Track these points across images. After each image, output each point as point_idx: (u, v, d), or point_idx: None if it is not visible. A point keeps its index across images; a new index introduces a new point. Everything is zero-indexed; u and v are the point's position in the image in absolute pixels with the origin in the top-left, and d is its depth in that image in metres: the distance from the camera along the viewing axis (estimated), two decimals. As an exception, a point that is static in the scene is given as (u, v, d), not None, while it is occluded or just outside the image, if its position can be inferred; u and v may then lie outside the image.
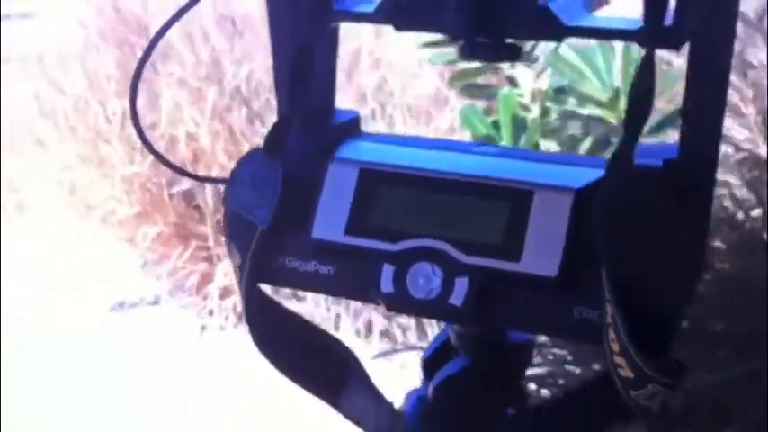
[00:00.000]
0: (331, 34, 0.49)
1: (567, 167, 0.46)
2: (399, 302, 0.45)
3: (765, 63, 1.82)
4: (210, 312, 2.28)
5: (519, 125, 1.79)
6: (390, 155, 0.48)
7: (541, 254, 0.43)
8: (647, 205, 0.40)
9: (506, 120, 1.76)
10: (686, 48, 0.42)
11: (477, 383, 0.49)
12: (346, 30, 0.53)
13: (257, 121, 2.14)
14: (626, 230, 0.40)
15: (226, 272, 2.22)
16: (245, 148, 1.99)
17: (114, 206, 2.32)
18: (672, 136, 1.70)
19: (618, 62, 1.80)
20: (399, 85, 2.21)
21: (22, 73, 3.05)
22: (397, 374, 1.91)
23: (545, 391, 1.26)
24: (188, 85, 2.29)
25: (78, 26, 2.82)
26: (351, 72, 2.15)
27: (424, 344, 0.92)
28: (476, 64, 2.00)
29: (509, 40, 0.44)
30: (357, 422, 0.53)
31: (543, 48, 1.82)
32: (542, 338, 1.24)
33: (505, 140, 1.72)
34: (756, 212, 1.71)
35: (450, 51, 1.97)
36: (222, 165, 2.14)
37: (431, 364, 0.51)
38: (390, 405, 0.53)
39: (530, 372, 0.61)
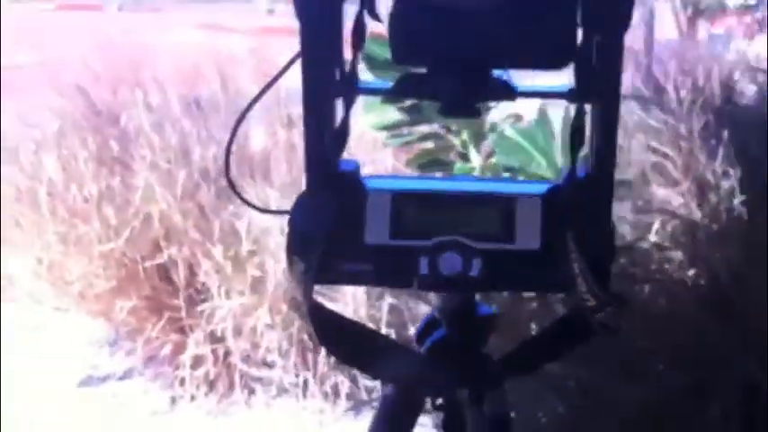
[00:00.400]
0: (350, 104, 0.69)
1: (525, 184, 0.77)
2: (433, 281, 0.67)
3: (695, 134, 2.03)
4: (182, 381, 2.39)
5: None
6: (406, 184, 0.72)
7: (527, 236, 0.67)
8: (583, 199, 0.67)
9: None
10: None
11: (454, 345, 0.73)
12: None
13: (224, 197, 2.30)
14: (577, 216, 0.65)
15: (197, 341, 2.34)
16: (216, 224, 2.13)
17: (92, 281, 2.45)
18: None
19: (557, 141, 1.99)
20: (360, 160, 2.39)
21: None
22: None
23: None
24: (159, 167, 2.45)
25: (53, 114, 2.98)
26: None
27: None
28: (433, 144, 2.18)
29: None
30: (392, 379, 0.75)
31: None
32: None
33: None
34: (691, 272, 1.88)
35: (408, 134, 2.17)
36: (193, 239, 2.29)
37: (420, 336, 0.76)
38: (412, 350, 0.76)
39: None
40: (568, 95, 0.68)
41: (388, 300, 2.16)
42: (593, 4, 0.63)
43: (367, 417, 2.12)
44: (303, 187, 0.70)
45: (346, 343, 0.71)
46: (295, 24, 0.67)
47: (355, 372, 2.18)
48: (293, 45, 0.69)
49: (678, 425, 1.71)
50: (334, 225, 0.68)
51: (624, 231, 1.87)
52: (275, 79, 0.73)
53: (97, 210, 2.50)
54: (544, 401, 1.78)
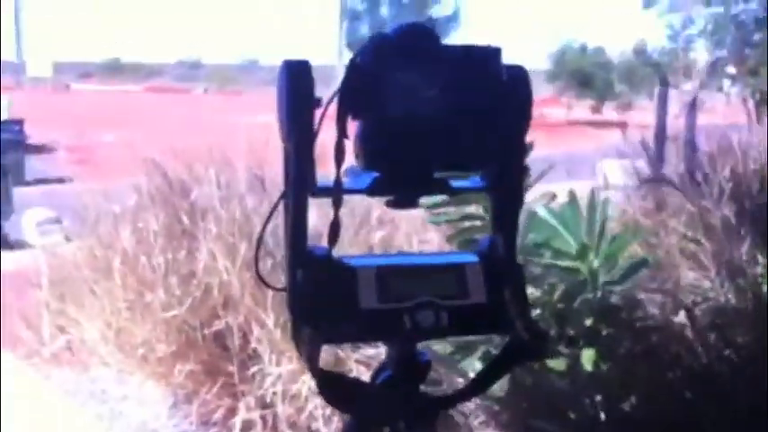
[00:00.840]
0: (338, 204, 0.85)
1: (463, 255, 0.92)
2: (413, 332, 0.85)
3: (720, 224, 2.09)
4: (235, 443, 2.50)
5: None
6: (383, 260, 0.88)
7: (477, 293, 0.86)
8: (504, 266, 0.88)
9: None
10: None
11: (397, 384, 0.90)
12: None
13: (279, 268, 2.45)
14: (507, 277, 0.87)
15: (248, 406, 2.46)
16: (269, 293, 2.28)
17: (154, 345, 2.61)
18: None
19: (583, 222, 2.08)
20: (406, 240, 2.53)
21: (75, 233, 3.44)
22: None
23: None
24: (223, 238, 2.63)
25: (132, 189, 3.22)
26: (359, 229, 2.48)
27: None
28: (475, 223, 2.30)
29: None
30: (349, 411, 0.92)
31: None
32: None
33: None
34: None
35: (448, 212, 2.29)
36: (248, 307, 2.44)
37: (376, 374, 0.92)
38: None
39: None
40: (484, 189, 0.89)
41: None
42: (503, 115, 0.83)
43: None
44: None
45: (342, 393, 0.88)
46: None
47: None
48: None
49: None
50: (332, 296, 0.84)
51: (653, 311, 1.93)
52: (282, 197, 0.88)
53: (163, 279, 2.68)
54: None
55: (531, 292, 2.07)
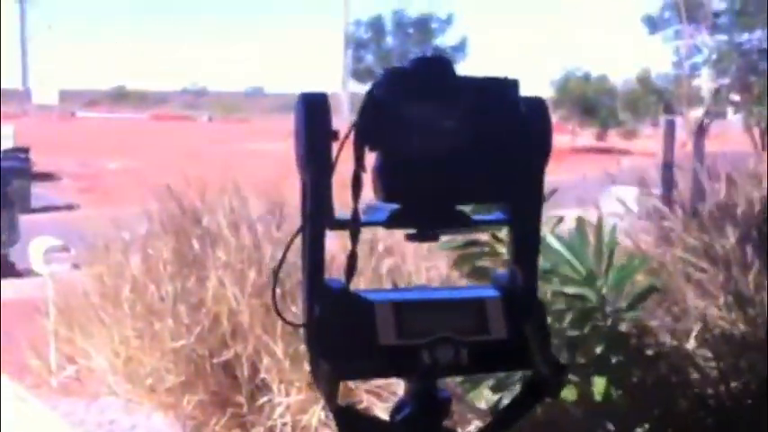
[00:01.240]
0: (356, 238, 0.84)
1: (483, 289, 0.88)
2: (433, 369, 0.82)
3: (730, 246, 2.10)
4: (243, 474, 2.49)
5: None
6: (401, 295, 0.88)
7: (497, 328, 0.84)
8: (525, 300, 0.86)
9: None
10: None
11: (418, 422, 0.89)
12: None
13: (289, 297, 2.45)
14: (528, 311, 0.85)
15: (258, 436, 2.45)
16: (278, 322, 2.29)
17: (163, 375, 2.61)
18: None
19: (590, 248, 2.09)
20: (414, 269, 2.53)
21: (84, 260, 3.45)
22: None
23: None
24: (231, 266, 2.64)
25: (142, 216, 3.23)
26: (368, 258, 2.48)
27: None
28: (483, 249, 2.30)
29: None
30: None
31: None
32: None
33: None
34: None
35: (456, 240, 2.30)
36: (257, 336, 2.44)
37: (395, 411, 0.89)
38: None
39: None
40: (504, 222, 0.88)
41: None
42: (521, 147, 0.83)
43: None
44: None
45: (361, 431, 0.87)
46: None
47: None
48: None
49: None
50: (350, 332, 0.83)
51: (663, 339, 1.92)
52: (300, 230, 0.85)
53: (173, 307, 2.68)
54: None
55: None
